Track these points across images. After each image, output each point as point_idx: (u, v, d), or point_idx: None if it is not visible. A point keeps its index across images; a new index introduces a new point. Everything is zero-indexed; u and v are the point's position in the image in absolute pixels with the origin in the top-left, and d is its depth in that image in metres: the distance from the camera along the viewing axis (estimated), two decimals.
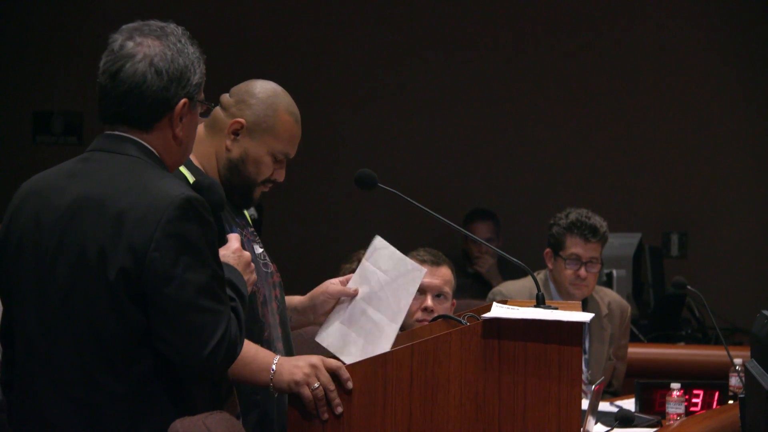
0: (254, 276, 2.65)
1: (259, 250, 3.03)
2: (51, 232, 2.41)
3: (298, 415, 2.72)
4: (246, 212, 3.12)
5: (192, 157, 2.94)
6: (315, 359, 2.74)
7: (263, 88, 2.98)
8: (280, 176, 3.01)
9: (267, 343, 2.94)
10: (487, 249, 6.59)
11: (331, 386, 2.70)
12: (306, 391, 2.70)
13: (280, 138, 2.96)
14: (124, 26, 2.53)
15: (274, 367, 2.74)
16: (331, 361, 2.75)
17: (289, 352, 3.03)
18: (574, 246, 4.51)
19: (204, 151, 2.96)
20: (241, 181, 2.96)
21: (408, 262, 2.95)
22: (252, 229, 3.09)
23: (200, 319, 2.36)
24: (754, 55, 7.32)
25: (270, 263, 3.07)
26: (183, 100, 2.49)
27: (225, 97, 3.00)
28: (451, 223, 3.09)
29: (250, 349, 2.76)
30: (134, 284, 2.35)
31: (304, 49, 7.59)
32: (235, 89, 3.01)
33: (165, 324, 2.36)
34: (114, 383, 2.37)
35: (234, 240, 2.62)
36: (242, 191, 2.98)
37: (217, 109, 2.98)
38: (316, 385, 2.69)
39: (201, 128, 2.95)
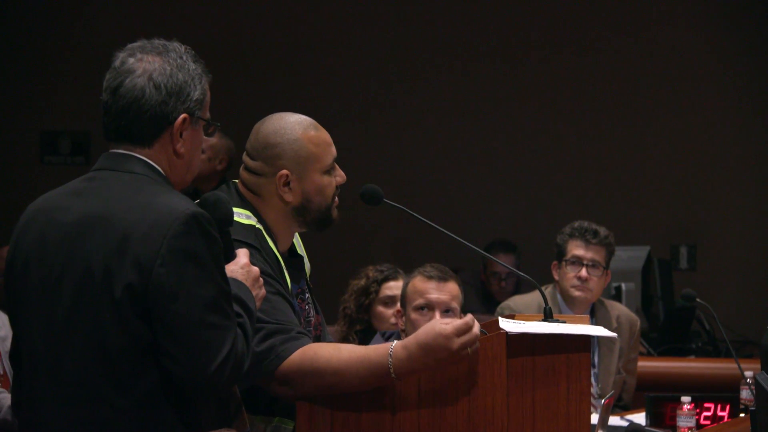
0: (263, 291, 2.63)
1: (306, 306, 3.00)
2: (56, 251, 2.41)
3: (306, 420, 2.70)
4: (306, 266, 3.09)
5: (269, 229, 2.92)
6: (444, 341, 2.59)
7: (273, 130, 2.94)
8: (341, 177, 3.00)
9: None
10: (505, 284, 6.39)
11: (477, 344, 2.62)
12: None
13: (320, 154, 2.95)
14: (128, 45, 2.54)
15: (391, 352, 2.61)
16: (459, 324, 2.61)
17: None
18: (576, 248, 4.53)
19: (273, 218, 2.94)
20: (317, 213, 2.96)
21: None
22: (305, 285, 3.05)
23: (206, 336, 2.35)
24: (762, 66, 7.32)
25: (312, 316, 3.02)
26: (183, 116, 2.49)
27: (250, 164, 2.95)
28: (472, 246, 3.01)
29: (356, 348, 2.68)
30: (140, 300, 2.35)
31: (308, 61, 7.60)
32: (251, 150, 2.95)
33: (171, 340, 2.36)
34: (119, 398, 2.36)
35: (242, 255, 2.61)
36: (321, 218, 2.97)
37: (247, 181, 2.95)
38: (470, 350, 2.61)
39: (258, 202, 2.93)
